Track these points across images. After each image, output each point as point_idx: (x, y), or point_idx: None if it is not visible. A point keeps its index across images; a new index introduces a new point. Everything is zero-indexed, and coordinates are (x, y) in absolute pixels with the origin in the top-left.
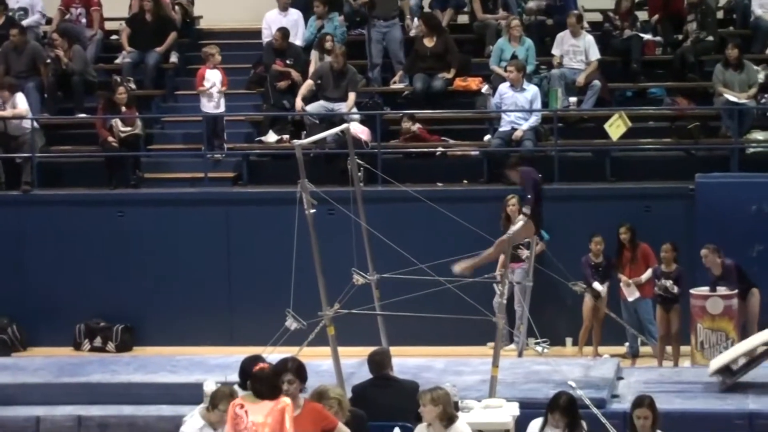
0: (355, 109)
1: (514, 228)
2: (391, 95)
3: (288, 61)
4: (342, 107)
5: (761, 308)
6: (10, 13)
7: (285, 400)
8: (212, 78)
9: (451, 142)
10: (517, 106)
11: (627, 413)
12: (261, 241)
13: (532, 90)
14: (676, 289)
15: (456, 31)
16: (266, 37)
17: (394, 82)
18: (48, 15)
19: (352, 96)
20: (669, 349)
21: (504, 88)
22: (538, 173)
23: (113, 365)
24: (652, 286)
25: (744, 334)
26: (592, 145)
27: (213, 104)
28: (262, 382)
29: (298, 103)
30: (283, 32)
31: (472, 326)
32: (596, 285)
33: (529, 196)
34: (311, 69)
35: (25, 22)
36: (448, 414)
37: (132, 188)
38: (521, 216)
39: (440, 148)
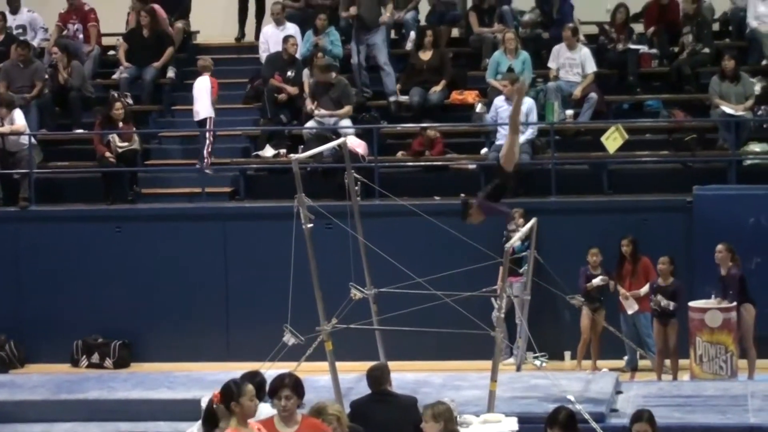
0: (349, 122)
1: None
2: (387, 109)
3: (290, 73)
4: (337, 121)
5: (757, 322)
6: (9, 31)
7: None
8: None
9: (452, 155)
10: None
11: (626, 427)
12: (258, 255)
13: (527, 103)
14: (671, 306)
15: (452, 45)
16: (263, 51)
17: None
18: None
19: (347, 108)
20: (668, 362)
21: (499, 101)
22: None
23: (111, 382)
24: (650, 300)
25: (740, 348)
26: (589, 157)
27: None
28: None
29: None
30: (294, 41)
31: (470, 340)
32: (596, 279)
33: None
34: (305, 86)
35: (35, 42)
36: (450, 430)
37: (129, 204)
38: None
39: (440, 162)
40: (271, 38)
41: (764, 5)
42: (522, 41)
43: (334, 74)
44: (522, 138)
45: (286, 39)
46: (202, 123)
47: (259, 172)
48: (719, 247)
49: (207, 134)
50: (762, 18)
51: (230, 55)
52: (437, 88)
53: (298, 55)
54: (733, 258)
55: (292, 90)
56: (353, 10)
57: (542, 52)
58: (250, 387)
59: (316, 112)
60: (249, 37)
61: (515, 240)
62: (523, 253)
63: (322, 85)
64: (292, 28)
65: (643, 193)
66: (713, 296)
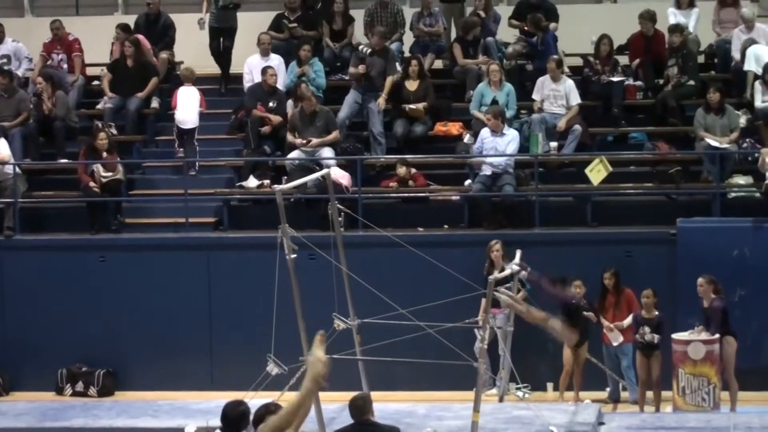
0: (332, 153)
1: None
2: (370, 140)
3: (272, 104)
4: (321, 152)
5: (738, 354)
6: None
7: None
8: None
9: (436, 187)
10: (497, 151)
11: None
12: (242, 286)
13: (510, 134)
14: (656, 339)
15: (437, 76)
16: (247, 82)
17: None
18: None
19: (335, 134)
20: (650, 394)
21: (485, 133)
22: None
23: (95, 410)
24: (633, 332)
25: (722, 380)
26: (573, 190)
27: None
28: None
29: (296, 149)
30: (273, 71)
31: (453, 371)
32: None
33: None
34: (289, 117)
35: (20, 71)
36: None
37: (113, 233)
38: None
39: (423, 193)
40: (256, 68)
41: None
42: (506, 73)
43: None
44: (500, 157)
45: (264, 70)
46: (188, 132)
47: (242, 202)
48: (700, 280)
49: (196, 144)
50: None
51: (214, 86)
52: (414, 106)
53: (282, 86)
54: (716, 290)
55: (275, 118)
56: (362, 68)
57: (526, 84)
58: None
59: (303, 142)
60: (234, 67)
61: (503, 276)
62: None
63: (309, 114)
64: (276, 59)
65: (627, 225)
66: (695, 327)
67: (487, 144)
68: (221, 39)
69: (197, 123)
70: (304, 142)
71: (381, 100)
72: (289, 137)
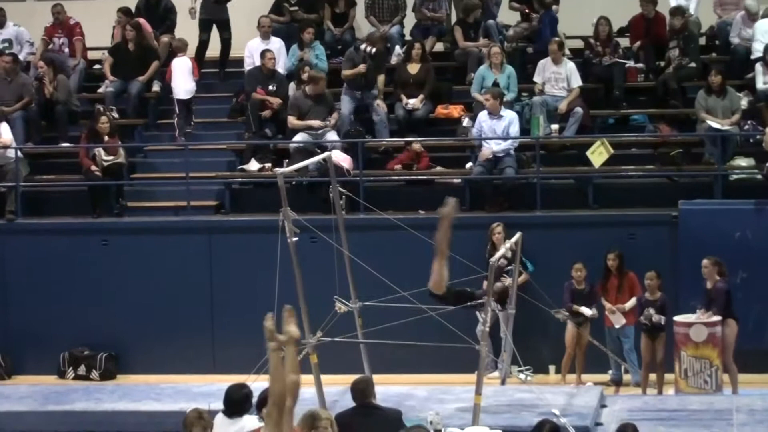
0: (336, 137)
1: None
2: (372, 123)
3: (271, 87)
4: (327, 135)
5: (739, 336)
6: None
7: None
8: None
9: (440, 169)
10: (496, 134)
11: None
12: (243, 269)
13: (508, 116)
14: (663, 321)
15: (437, 59)
16: (248, 65)
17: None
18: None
19: (335, 115)
20: (652, 376)
21: (484, 116)
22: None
23: (97, 393)
24: (635, 314)
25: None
26: (575, 172)
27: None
28: None
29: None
30: (271, 54)
31: (455, 354)
32: (584, 309)
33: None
34: (290, 100)
35: (21, 56)
36: None
37: (115, 217)
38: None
39: (424, 176)
40: (256, 52)
41: (752, 30)
42: (507, 55)
43: None
44: (498, 147)
45: (263, 54)
46: (183, 102)
47: (244, 185)
48: (705, 261)
49: (192, 116)
50: (743, 36)
51: (215, 69)
52: (415, 102)
53: (282, 70)
54: (720, 272)
55: (276, 101)
56: (362, 67)
57: (528, 67)
58: None
59: (321, 123)
60: (236, 50)
61: (500, 255)
62: (509, 267)
63: (314, 97)
64: (277, 43)
65: (629, 207)
66: (698, 309)
67: (486, 127)
68: (212, 30)
69: (193, 92)
70: (323, 123)
71: (381, 103)
72: (293, 120)
